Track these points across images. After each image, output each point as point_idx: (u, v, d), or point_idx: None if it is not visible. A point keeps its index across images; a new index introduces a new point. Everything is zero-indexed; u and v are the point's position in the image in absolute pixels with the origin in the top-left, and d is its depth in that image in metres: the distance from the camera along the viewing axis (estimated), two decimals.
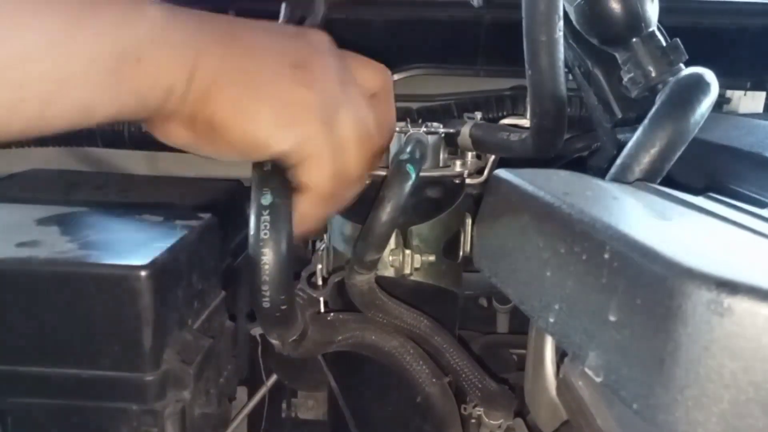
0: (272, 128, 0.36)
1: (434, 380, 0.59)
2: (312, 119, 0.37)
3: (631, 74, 0.51)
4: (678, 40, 0.51)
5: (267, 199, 0.39)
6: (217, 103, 0.35)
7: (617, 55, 0.53)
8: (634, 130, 0.43)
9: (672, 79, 0.45)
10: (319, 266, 0.66)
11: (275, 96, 0.36)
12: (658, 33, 0.51)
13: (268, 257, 0.39)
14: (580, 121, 0.77)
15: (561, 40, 0.44)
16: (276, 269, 0.39)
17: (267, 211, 0.39)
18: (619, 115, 0.57)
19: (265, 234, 0.38)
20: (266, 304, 0.40)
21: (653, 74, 0.50)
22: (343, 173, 0.39)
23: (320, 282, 0.64)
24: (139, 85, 0.33)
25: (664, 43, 0.51)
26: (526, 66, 0.45)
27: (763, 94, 0.85)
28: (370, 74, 0.43)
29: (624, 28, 0.50)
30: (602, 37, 0.52)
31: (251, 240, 0.39)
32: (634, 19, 0.50)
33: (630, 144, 0.42)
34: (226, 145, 0.37)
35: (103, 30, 0.31)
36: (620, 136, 0.62)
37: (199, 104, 0.35)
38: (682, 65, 0.50)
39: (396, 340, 0.58)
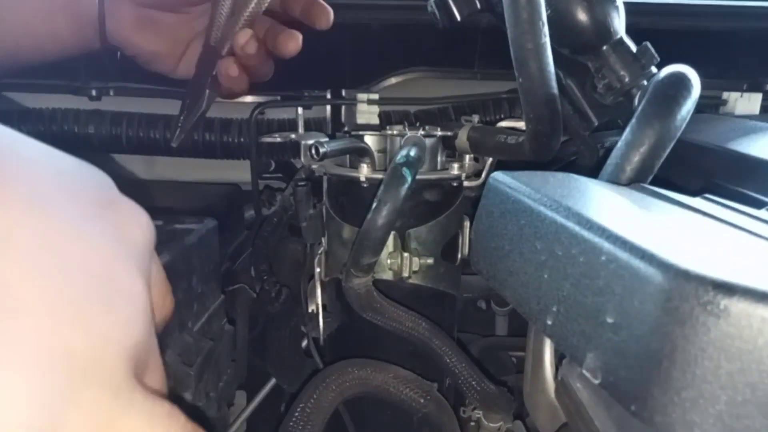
0: None
1: (427, 398, 0.59)
2: None
3: (606, 80, 0.52)
4: (648, 44, 0.52)
5: None
6: None
7: (589, 64, 0.54)
8: (616, 134, 0.44)
9: (654, 78, 0.45)
10: (318, 270, 0.66)
11: None
12: (626, 39, 0.52)
13: None
14: None
15: (548, 45, 0.44)
16: None
17: None
18: (596, 123, 0.58)
19: None
20: None
21: (627, 79, 0.51)
22: None
23: (319, 289, 0.64)
24: None
25: (633, 49, 0.51)
26: (516, 74, 0.45)
27: (759, 95, 0.85)
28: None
29: (593, 36, 0.52)
30: (573, 46, 0.53)
31: None
32: (602, 27, 0.51)
33: (619, 144, 0.42)
34: None
35: None
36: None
37: None
38: (654, 68, 0.51)
39: (375, 380, 0.58)
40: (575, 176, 0.40)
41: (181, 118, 0.61)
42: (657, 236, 0.27)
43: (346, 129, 0.76)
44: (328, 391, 0.57)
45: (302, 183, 0.67)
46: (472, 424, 0.64)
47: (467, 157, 0.65)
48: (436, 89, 0.88)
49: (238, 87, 0.61)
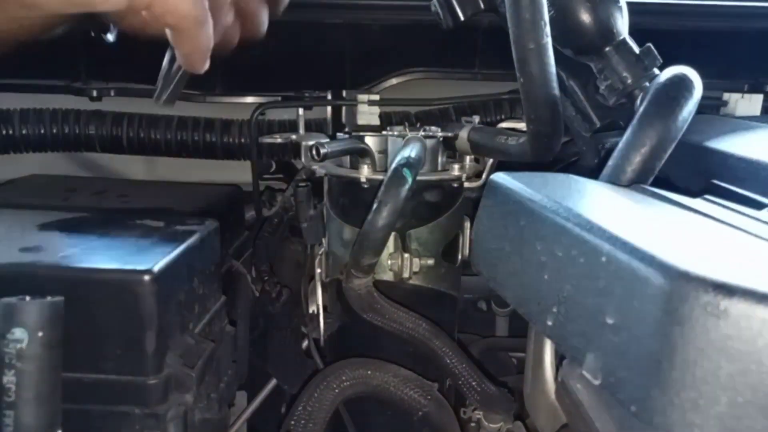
0: None
1: (428, 397, 0.59)
2: None
3: (608, 81, 0.52)
4: (651, 45, 0.52)
5: None
6: None
7: (592, 65, 0.54)
8: (618, 135, 0.43)
9: (656, 80, 0.45)
10: (318, 271, 0.66)
11: None
12: (629, 40, 0.52)
13: None
14: None
15: (550, 46, 0.44)
16: None
17: None
18: (598, 124, 0.58)
19: None
20: None
21: (630, 80, 0.51)
22: None
23: (320, 290, 0.64)
24: None
25: (636, 50, 0.51)
26: (517, 74, 0.45)
27: (760, 96, 0.85)
28: None
29: (596, 37, 0.52)
30: (575, 47, 0.53)
31: None
32: (605, 28, 0.51)
33: (620, 145, 0.42)
34: None
35: None
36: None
37: None
38: (656, 70, 0.51)
39: (376, 379, 0.58)
40: (576, 177, 0.40)
41: (165, 71, 0.52)
42: (657, 237, 0.27)
43: (346, 130, 0.76)
44: (329, 390, 0.57)
45: (303, 184, 0.67)
46: (473, 424, 0.64)
47: (468, 157, 0.65)
48: (436, 90, 0.88)
49: (229, 37, 0.54)
